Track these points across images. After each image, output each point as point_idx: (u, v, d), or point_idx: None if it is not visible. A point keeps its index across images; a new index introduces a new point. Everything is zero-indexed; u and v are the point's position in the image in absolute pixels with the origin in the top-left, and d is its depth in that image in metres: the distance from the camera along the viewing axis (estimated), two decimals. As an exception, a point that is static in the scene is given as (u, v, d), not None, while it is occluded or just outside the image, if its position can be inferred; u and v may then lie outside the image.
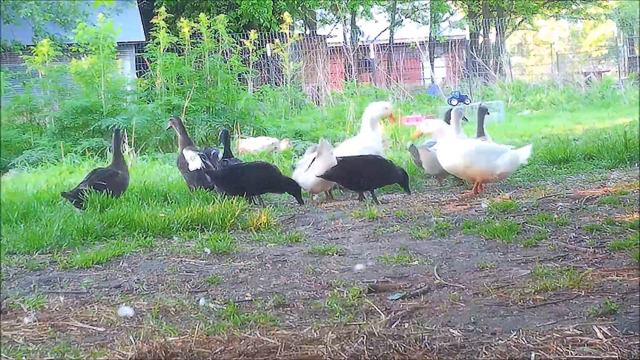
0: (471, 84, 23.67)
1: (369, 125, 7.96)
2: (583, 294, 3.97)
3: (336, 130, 14.41)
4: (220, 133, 8.41)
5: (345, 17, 31.55)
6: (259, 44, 18.73)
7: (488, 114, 9.16)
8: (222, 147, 8.08)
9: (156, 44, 14.48)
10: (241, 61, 15.86)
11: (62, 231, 5.74)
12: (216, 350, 3.33)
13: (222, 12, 24.35)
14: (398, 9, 34.47)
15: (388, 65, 29.25)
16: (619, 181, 7.56)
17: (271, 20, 26.05)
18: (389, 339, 3.38)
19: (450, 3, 37.58)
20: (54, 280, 4.71)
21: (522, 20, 41.08)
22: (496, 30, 32.08)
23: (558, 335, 3.36)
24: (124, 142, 9.51)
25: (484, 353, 3.21)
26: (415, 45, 27.88)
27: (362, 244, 5.53)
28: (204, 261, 5.13)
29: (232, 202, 6.56)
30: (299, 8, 28.78)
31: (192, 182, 7.75)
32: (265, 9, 25.91)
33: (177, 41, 14.94)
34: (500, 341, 3.33)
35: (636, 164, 8.45)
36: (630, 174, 7.92)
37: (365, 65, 28.67)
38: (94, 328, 3.77)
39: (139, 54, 18.79)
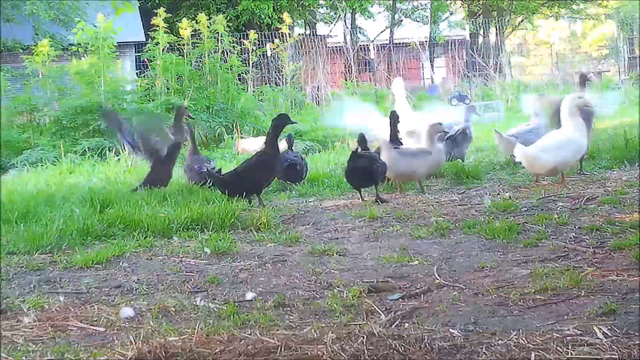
0: (471, 84, 23.66)
1: (568, 117, 7.73)
2: (583, 294, 3.97)
3: (336, 130, 14.39)
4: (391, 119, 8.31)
5: (345, 15, 31.47)
6: (258, 44, 18.69)
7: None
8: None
9: (155, 44, 14.47)
10: (241, 61, 15.84)
11: (62, 231, 5.73)
12: (216, 350, 3.33)
13: (222, 10, 24.36)
14: (398, 8, 34.46)
15: (388, 65, 29.24)
16: (619, 181, 7.56)
17: (272, 17, 26.00)
18: (389, 339, 3.37)
19: (450, 3, 37.58)
20: (54, 280, 4.71)
21: (522, 20, 41.07)
22: (496, 30, 32.11)
23: (558, 335, 3.36)
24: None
25: (484, 353, 3.21)
26: (415, 45, 27.88)
27: (362, 244, 5.52)
28: (204, 261, 5.13)
29: (232, 202, 6.56)
30: (299, 8, 28.74)
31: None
32: (266, 6, 25.88)
33: (177, 41, 14.93)
34: (500, 341, 3.32)
35: (636, 164, 8.45)
36: (630, 174, 7.93)
37: (365, 65, 28.66)
38: (94, 328, 3.76)
39: (138, 54, 18.77)
